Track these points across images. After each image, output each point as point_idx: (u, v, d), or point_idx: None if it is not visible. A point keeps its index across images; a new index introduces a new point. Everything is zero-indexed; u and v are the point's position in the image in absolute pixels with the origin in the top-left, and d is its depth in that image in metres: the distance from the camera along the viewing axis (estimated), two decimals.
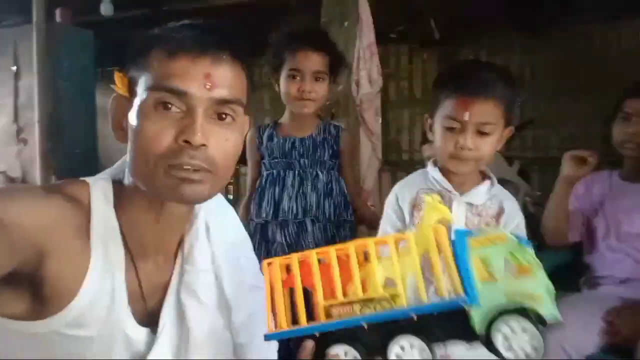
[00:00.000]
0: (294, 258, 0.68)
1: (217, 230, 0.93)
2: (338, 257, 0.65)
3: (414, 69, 5.58)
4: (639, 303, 1.51)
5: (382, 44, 3.50)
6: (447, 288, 0.61)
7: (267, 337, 0.63)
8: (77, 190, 0.80)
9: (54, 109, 4.04)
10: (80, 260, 0.76)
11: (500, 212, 1.24)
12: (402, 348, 0.61)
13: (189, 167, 0.73)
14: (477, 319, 0.62)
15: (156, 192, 0.77)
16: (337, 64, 1.72)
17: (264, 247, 1.74)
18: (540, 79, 5.23)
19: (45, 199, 0.74)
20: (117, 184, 0.83)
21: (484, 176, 1.30)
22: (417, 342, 0.61)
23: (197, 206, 0.89)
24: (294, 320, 0.65)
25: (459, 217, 1.24)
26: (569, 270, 1.91)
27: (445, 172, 1.27)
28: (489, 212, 1.25)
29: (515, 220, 1.25)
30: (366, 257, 0.66)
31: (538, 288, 0.62)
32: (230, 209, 1.01)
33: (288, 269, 0.69)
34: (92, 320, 0.78)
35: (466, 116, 1.15)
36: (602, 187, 1.81)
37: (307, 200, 1.70)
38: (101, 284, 0.78)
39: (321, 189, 1.71)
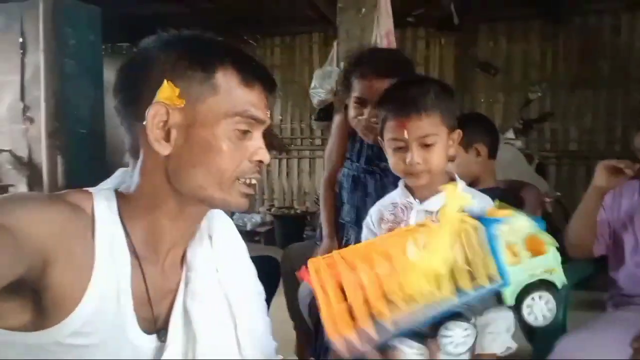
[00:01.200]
0: (337, 258, 0.78)
1: (220, 239, 0.97)
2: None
3: (431, 54, 5.41)
4: None
5: (399, 28, 3.38)
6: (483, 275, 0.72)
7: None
8: (80, 199, 0.80)
9: (60, 87, 3.96)
10: (84, 267, 0.76)
11: None
12: (450, 330, 0.75)
13: (254, 181, 0.86)
14: (508, 295, 0.74)
15: (219, 203, 0.85)
16: None
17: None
18: (560, 68, 5.06)
19: (50, 206, 0.75)
20: (120, 193, 0.85)
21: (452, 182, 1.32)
22: (462, 324, 0.75)
23: None
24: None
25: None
26: (591, 282, 1.83)
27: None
28: None
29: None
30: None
31: (552, 263, 0.75)
32: (227, 218, 1.02)
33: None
34: (97, 328, 0.77)
35: (405, 134, 1.21)
36: (630, 198, 1.70)
37: None
38: (106, 290, 0.78)
39: None
